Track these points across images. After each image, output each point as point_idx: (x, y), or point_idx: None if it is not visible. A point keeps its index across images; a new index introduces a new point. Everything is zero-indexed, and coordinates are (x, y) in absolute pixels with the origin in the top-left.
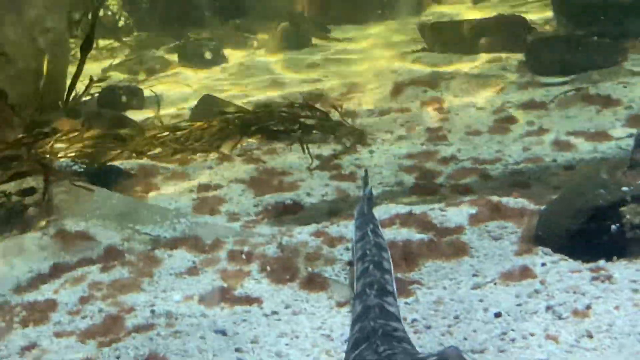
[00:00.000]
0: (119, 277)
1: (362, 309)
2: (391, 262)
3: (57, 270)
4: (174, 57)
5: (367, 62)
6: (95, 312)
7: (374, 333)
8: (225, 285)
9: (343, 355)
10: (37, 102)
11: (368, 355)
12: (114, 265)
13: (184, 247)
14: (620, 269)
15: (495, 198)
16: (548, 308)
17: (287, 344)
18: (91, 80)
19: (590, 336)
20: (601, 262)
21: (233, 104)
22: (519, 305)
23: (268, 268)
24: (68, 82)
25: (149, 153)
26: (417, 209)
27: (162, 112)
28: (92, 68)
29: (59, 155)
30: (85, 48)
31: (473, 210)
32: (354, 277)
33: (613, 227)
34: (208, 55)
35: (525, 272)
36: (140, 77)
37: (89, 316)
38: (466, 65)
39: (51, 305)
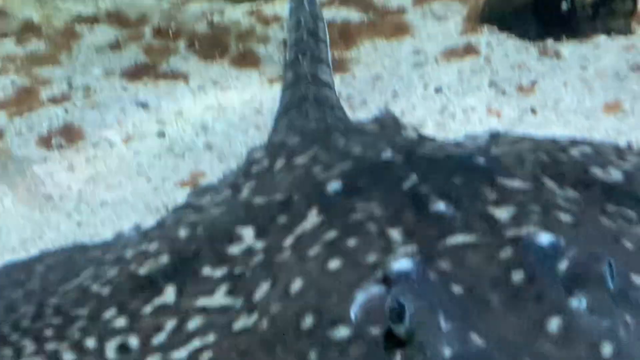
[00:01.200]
0: (35, 50)
1: (294, 76)
2: (327, 33)
3: None
4: None
5: None
6: (7, 85)
7: (304, 99)
8: (149, 61)
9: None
10: None
11: (297, 120)
12: (30, 38)
13: (106, 22)
14: (570, 48)
15: None
16: (491, 84)
17: (212, 117)
18: None
19: (535, 112)
20: (549, 41)
21: None
22: (461, 81)
23: (197, 45)
24: None
25: None
26: None
27: None
28: None
29: None
30: None
31: None
32: (287, 46)
33: (564, 5)
34: None
35: (469, 50)
36: None
37: (1, 88)
38: None
39: None
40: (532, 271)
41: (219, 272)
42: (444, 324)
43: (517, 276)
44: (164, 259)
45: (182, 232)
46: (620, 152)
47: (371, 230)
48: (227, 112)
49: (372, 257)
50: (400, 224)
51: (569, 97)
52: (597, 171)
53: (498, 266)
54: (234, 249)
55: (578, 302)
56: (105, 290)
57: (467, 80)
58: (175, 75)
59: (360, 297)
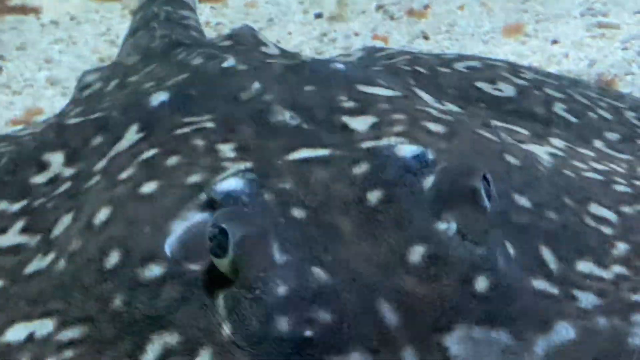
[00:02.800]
0: None
1: None
2: None
3: None
4: None
5: None
6: None
7: (154, 18)
8: None
9: None
10: None
11: (142, 39)
12: None
13: None
14: None
15: None
16: (379, 7)
17: (60, 51)
18: None
19: (427, 37)
20: None
21: None
22: (345, 5)
23: None
24: None
25: None
26: None
27: None
28: None
29: None
30: None
31: None
32: None
33: None
34: None
35: None
36: None
37: None
38: None
39: None
40: (391, 190)
41: (16, 206)
42: (278, 255)
43: (373, 196)
44: None
45: None
46: (515, 69)
47: (198, 146)
48: (78, 46)
49: (195, 178)
50: (235, 138)
51: (465, 21)
52: (483, 85)
53: (350, 184)
54: (39, 179)
55: (446, 226)
56: None
57: (352, 4)
58: (25, 10)
59: (178, 227)
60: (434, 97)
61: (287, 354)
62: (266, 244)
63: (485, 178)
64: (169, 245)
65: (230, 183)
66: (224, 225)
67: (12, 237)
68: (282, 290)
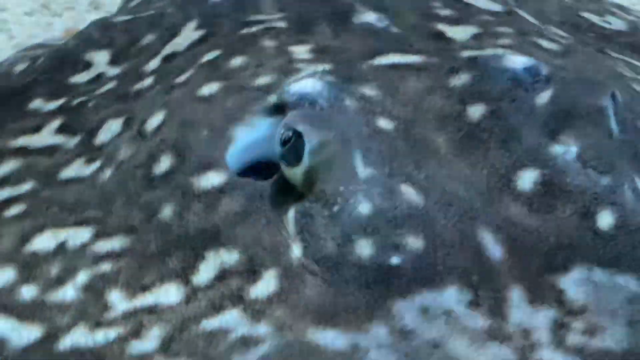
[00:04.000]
0: None
1: None
2: None
3: None
4: None
5: None
6: None
7: None
8: None
9: None
10: None
11: None
12: None
13: None
14: None
15: None
16: None
17: None
18: None
19: None
20: None
21: None
22: None
23: None
24: None
25: None
26: None
27: None
28: None
29: None
30: None
31: None
32: None
33: None
34: None
35: None
36: None
37: None
38: None
39: None
40: (496, 104)
41: (52, 105)
42: (362, 167)
43: (475, 111)
44: None
45: (19, 67)
46: (623, 8)
47: (267, 47)
48: None
49: (263, 79)
50: (311, 40)
51: None
52: (591, 16)
53: (447, 96)
54: (79, 78)
55: (564, 149)
56: None
57: None
58: None
59: (242, 131)
60: (538, 19)
61: (368, 284)
62: (348, 153)
63: (613, 97)
64: (232, 151)
65: (305, 84)
66: (299, 128)
67: (47, 136)
68: (365, 207)
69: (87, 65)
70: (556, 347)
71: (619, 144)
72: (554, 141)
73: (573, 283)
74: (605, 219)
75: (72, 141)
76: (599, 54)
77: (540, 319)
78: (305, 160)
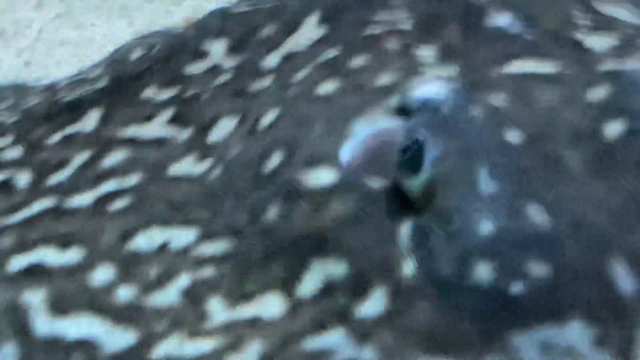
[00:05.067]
0: None
1: None
2: None
3: None
4: None
5: None
6: None
7: None
8: None
9: None
10: None
11: None
12: None
13: None
14: None
15: None
16: None
17: None
18: None
19: None
20: None
21: None
22: None
23: None
24: None
25: None
26: None
27: None
28: None
29: None
30: None
31: None
32: None
33: None
34: None
35: None
36: None
37: None
38: None
39: None
40: (636, 123)
41: (165, 95)
42: (487, 184)
43: (612, 129)
44: (102, 83)
45: (136, 54)
46: None
47: (391, 48)
48: None
49: (385, 80)
50: (438, 40)
51: None
52: None
53: (583, 112)
54: (194, 68)
55: None
56: (11, 118)
57: None
58: None
59: (359, 130)
60: None
61: (484, 312)
62: (472, 167)
63: None
64: (348, 148)
65: (430, 89)
66: (420, 137)
67: (158, 127)
68: (487, 227)
69: (203, 55)
70: None
71: None
72: None
73: None
74: None
75: (183, 135)
76: None
77: None
78: (425, 171)
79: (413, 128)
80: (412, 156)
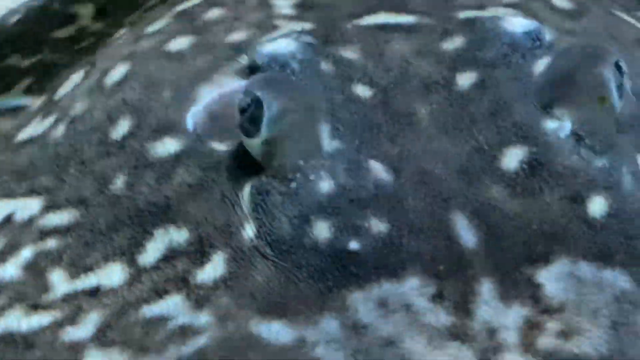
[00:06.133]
0: None
1: None
2: None
3: None
4: None
5: None
6: None
7: None
8: None
9: None
10: None
11: None
12: None
13: None
14: None
15: None
16: None
17: None
18: None
19: None
20: None
21: None
22: None
23: None
24: None
25: None
26: None
27: None
28: None
29: None
30: None
31: None
32: None
33: None
34: None
35: None
36: None
37: None
38: None
39: None
40: (489, 72)
41: (26, 62)
42: (328, 140)
43: (465, 79)
44: None
45: (13, 19)
46: None
47: (248, 1)
48: None
49: (238, 35)
50: None
51: None
52: None
53: (437, 62)
54: (60, 33)
55: (557, 125)
56: None
57: None
58: None
59: (206, 93)
60: None
61: (322, 271)
62: (313, 123)
63: (618, 66)
64: (193, 114)
65: (279, 45)
66: (259, 94)
67: (15, 96)
68: (326, 185)
69: (71, 19)
70: (524, 351)
71: (620, 119)
72: (547, 115)
73: (553, 277)
74: (597, 206)
75: (38, 101)
76: (618, 14)
77: (510, 318)
78: (264, 130)
79: (252, 86)
80: (251, 116)
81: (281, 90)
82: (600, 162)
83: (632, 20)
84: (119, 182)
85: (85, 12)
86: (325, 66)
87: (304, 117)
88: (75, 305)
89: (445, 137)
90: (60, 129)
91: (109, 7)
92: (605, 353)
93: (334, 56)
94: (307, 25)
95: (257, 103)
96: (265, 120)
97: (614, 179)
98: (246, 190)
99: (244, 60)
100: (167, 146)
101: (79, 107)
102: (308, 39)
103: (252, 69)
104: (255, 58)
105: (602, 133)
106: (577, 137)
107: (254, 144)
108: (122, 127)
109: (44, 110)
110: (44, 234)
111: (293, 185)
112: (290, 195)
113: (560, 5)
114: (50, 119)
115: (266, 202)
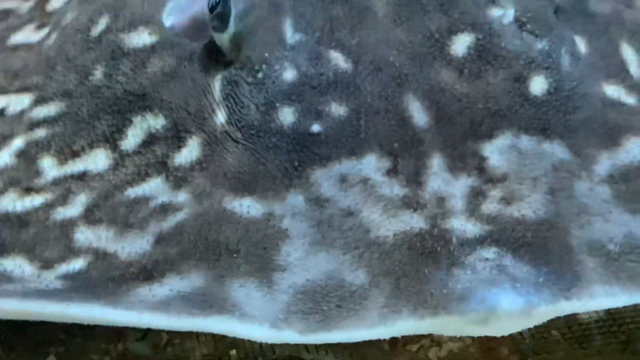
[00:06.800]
0: None
1: None
2: None
3: None
4: None
5: None
6: None
7: None
8: None
9: None
10: None
11: None
12: None
13: None
14: None
15: None
16: None
17: None
18: None
19: None
20: None
21: None
22: None
23: None
24: None
25: None
26: None
27: None
28: None
29: None
30: None
31: None
32: None
33: None
34: None
35: None
36: None
37: None
38: None
39: None
40: None
41: None
42: (291, 33)
43: None
44: None
45: None
46: None
47: None
48: None
49: None
50: None
51: None
52: None
53: None
54: None
55: (501, 12)
56: None
57: None
58: None
59: None
60: None
61: (288, 152)
62: (277, 17)
63: None
64: (168, 10)
65: None
66: None
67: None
68: (289, 74)
69: None
70: (469, 216)
71: (560, 3)
72: (492, 4)
73: (497, 150)
74: (537, 84)
75: (26, 4)
76: None
77: (458, 187)
78: (232, 25)
79: None
80: (219, 12)
81: None
82: (540, 45)
83: None
84: (98, 74)
85: None
86: None
87: (268, 12)
88: (64, 188)
89: (400, 28)
90: (53, 38)
91: None
92: (543, 215)
93: None
94: None
95: (225, 1)
96: (232, 17)
97: (553, 59)
98: (217, 81)
99: None
100: (143, 37)
101: (69, 17)
102: None
103: None
104: None
105: (542, 18)
106: (519, 22)
107: (223, 38)
108: (101, 25)
109: (38, 21)
110: (34, 124)
111: (259, 75)
112: (257, 84)
113: None
114: (45, 31)
115: (235, 91)
